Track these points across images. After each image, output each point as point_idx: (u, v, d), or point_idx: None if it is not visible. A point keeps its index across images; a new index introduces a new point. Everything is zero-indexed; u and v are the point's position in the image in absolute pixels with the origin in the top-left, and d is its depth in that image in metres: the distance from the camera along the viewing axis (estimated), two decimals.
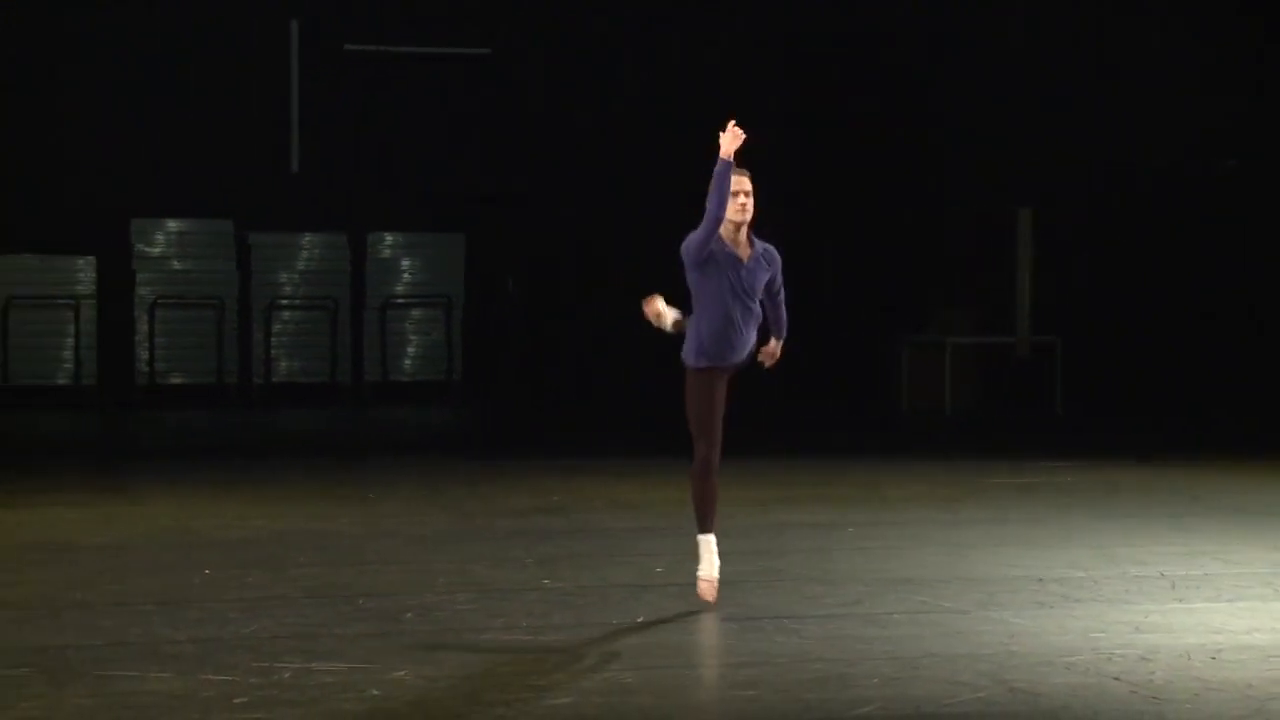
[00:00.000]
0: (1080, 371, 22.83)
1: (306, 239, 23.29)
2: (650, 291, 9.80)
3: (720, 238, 9.28)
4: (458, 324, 23.42)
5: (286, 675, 7.89)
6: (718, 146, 9.30)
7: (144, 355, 22.62)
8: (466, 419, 22.71)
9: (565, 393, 23.61)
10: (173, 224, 23.00)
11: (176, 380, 22.82)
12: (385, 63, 23.44)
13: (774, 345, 9.70)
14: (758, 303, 9.43)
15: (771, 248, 9.48)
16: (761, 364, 9.72)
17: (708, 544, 9.49)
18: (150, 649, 8.43)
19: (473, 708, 7.39)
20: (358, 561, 11.04)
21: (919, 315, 23.38)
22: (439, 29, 23.70)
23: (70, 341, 22.38)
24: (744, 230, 9.34)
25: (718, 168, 9.17)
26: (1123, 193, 23.79)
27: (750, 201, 9.30)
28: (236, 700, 7.46)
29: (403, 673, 7.94)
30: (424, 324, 23.48)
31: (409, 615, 9.28)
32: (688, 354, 9.44)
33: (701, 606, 9.42)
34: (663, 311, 9.61)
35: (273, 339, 22.99)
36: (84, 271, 22.59)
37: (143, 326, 22.64)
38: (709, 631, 9.08)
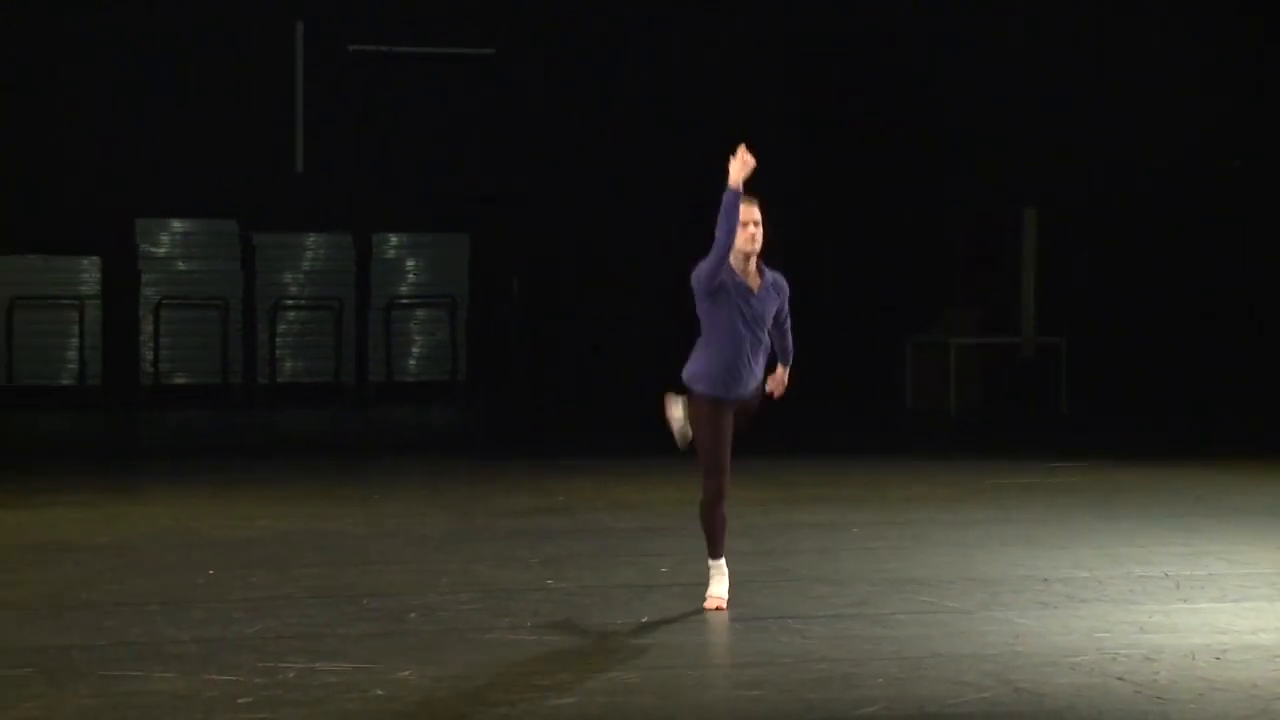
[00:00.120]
0: (1084, 372, 22.84)
1: (311, 239, 23.29)
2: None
3: (730, 267, 9.15)
4: (462, 324, 23.43)
5: (291, 675, 7.90)
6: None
7: (148, 355, 22.63)
8: (470, 419, 22.71)
9: (565, 393, 23.62)
10: (177, 224, 23.01)
11: (181, 380, 22.82)
12: (388, 63, 23.45)
13: (781, 373, 9.58)
14: (767, 332, 9.36)
15: (780, 276, 9.37)
16: (770, 394, 9.61)
17: (719, 567, 9.49)
18: (154, 649, 8.44)
19: (477, 708, 7.40)
20: (361, 561, 11.04)
21: (920, 315, 23.38)
22: (441, 30, 23.71)
23: (75, 342, 22.38)
24: (754, 260, 9.21)
25: (726, 197, 9.06)
26: (1123, 193, 23.79)
27: (760, 231, 9.16)
28: (240, 700, 7.46)
29: (407, 673, 7.94)
30: (428, 324, 23.48)
31: (413, 615, 9.29)
32: (692, 379, 9.31)
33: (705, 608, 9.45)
34: (678, 416, 9.53)
35: (277, 339, 22.99)
36: (89, 272, 22.60)
37: (147, 326, 22.64)
38: (713, 631, 9.08)
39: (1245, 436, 19.34)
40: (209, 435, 20.47)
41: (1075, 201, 23.66)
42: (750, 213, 9.14)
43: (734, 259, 9.17)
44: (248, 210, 23.01)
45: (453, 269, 23.55)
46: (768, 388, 9.54)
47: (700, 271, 9.19)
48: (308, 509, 13.56)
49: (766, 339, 9.32)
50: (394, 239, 23.56)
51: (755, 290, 9.22)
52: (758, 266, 9.25)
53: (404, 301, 23.38)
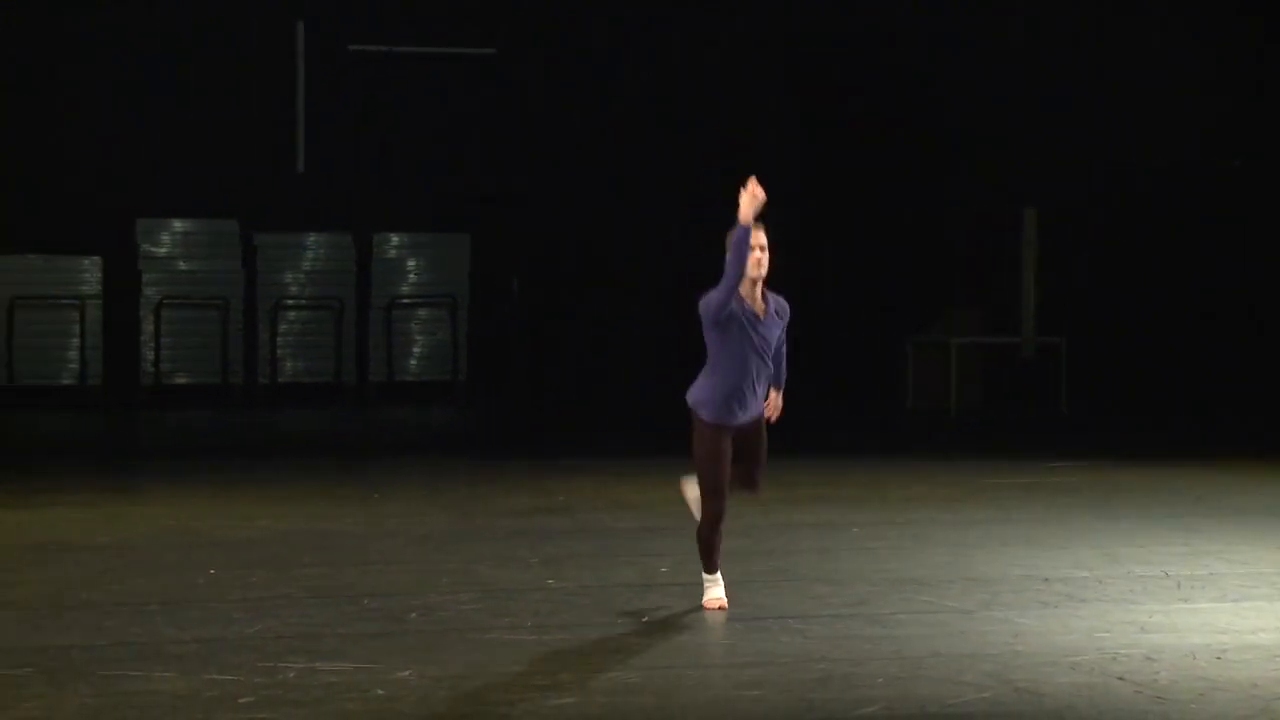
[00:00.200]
0: (1084, 372, 22.84)
1: (312, 239, 23.30)
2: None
3: (738, 295, 9.14)
4: (463, 324, 23.43)
5: (291, 675, 7.90)
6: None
7: (149, 355, 22.63)
8: (470, 419, 22.72)
9: (566, 393, 23.63)
10: (178, 224, 23.02)
11: (182, 380, 22.83)
12: (388, 63, 23.45)
13: (775, 397, 9.51)
14: (771, 359, 9.35)
15: (783, 300, 9.33)
16: (768, 420, 9.57)
17: (715, 580, 9.52)
18: (154, 649, 8.44)
19: (477, 707, 7.40)
20: (362, 561, 11.05)
21: (920, 315, 23.39)
22: (441, 30, 23.71)
23: (75, 341, 22.39)
24: (760, 285, 9.18)
25: (737, 233, 9.01)
26: (1123, 193, 23.80)
27: (766, 256, 9.12)
28: (241, 700, 7.46)
29: (407, 673, 7.94)
30: (429, 324, 23.48)
31: (413, 615, 9.29)
32: (696, 404, 9.28)
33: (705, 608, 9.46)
34: (694, 496, 9.50)
35: (278, 339, 22.99)
36: (89, 272, 22.60)
37: (148, 326, 22.64)
38: (714, 631, 9.08)
39: (1245, 436, 19.35)
40: (209, 435, 20.48)
41: (1075, 201, 23.67)
42: (757, 237, 9.09)
43: (741, 284, 9.15)
44: (248, 210, 23.02)
45: (453, 269, 23.55)
46: (765, 413, 9.50)
47: (710, 302, 9.12)
48: (308, 509, 13.57)
49: (770, 365, 9.31)
50: (394, 239, 23.56)
51: (762, 317, 9.19)
52: (762, 292, 9.21)
53: (404, 301, 23.38)
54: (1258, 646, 8.55)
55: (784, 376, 9.57)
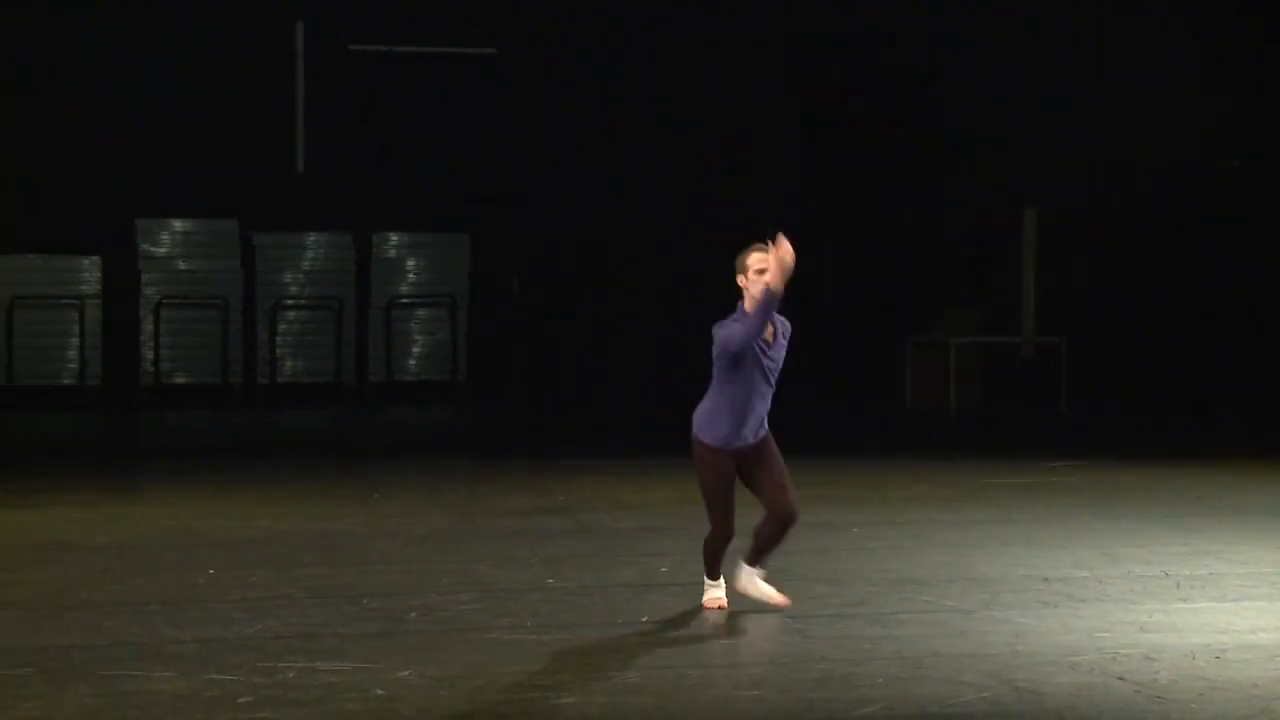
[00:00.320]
0: (1084, 372, 22.84)
1: (311, 239, 23.30)
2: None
3: (749, 317, 9.07)
4: (462, 324, 23.43)
5: (290, 675, 7.90)
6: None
7: (149, 355, 22.63)
8: (470, 419, 22.72)
9: (566, 393, 23.63)
10: (178, 224, 23.02)
11: (181, 380, 22.83)
12: (388, 63, 23.45)
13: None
14: (775, 380, 9.27)
15: (786, 321, 9.28)
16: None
17: (717, 584, 9.53)
18: (154, 649, 8.44)
19: (476, 707, 7.40)
20: (361, 561, 11.04)
21: (920, 315, 23.39)
22: (441, 30, 23.71)
23: (75, 341, 22.39)
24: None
25: (765, 297, 8.90)
26: (1123, 193, 23.80)
27: None
28: (240, 700, 7.46)
29: (406, 673, 7.94)
30: (429, 324, 23.48)
31: (413, 615, 9.29)
32: (701, 429, 9.24)
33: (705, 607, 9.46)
34: (757, 591, 9.42)
35: (277, 339, 22.99)
36: (89, 271, 22.60)
37: (148, 326, 22.64)
38: (714, 631, 9.08)
39: (1245, 436, 19.35)
40: (209, 435, 20.47)
41: (1075, 201, 23.67)
42: (767, 261, 9.03)
43: (751, 306, 9.06)
44: (248, 210, 23.02)
45: (453, 269, 23.56)
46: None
47: (728, 341, 9.00)
48: (308, 509, 13.57)
49: (773, 386, 9.27)
50: (394, 239, 23.56)
51: (772, 342, 9.17)
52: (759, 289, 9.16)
53: (404, 301, 23.38)
54: (1257, 646, 8.55)
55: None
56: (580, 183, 23.81)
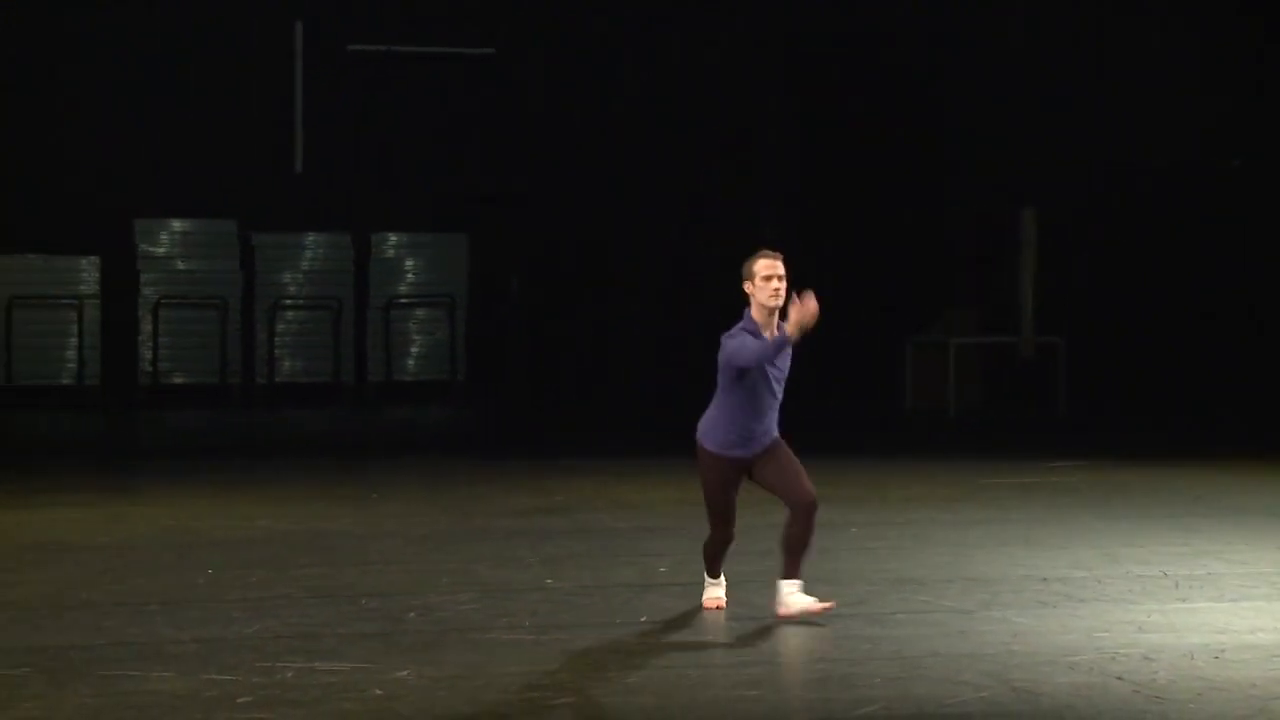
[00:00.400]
0: (1083, 372, 22.84)
1: (310, 239, 23.28)
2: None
3: (756, 324, 9.04)
4: (461, 324, 23.42)
5: (289, 675, 7.90)
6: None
7: (147, 355, 22.61)
8: (469, 419, 22.71)
9: (565, 393, 23.63)
10: (176, 224, 23.00)
11: (180, 380, 22.81)
12: (388, 63, 23.45)
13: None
14: (782, 389, 9.24)
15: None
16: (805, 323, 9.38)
17: (717, 583, 9.53)
18: (153, 649, 8.44)
19: (475, 708, 7.39)
20: (360, 561, 11.05)
21: (920, 315, 23.39)
22: (441, 30, 23.71)
23: (74, 341, 22.37)
24: (776, 316, 9.04)
25: (778, 341, 8.82)
26: (1123, 193, 23.79)
27: (784, 286, 8.99)
28: (239, 700, 7.46)
29: (405, 673, 7.94)
30: (427, 324, 23.47)
31: (411, 615, 9.29)
32: (704, 435, 9.21)
33: (704, 608, 9.46)
34: (799, 606, 9.33)
35: (276, 339, 22.98)
36: (88, 271, 22.59)
37: (146, 326, 22.63)
38: (713, 631, 9.08)
39: (1245, 436, 19.34)
40: (208, 435, 20.47)
41: (1075, 201, 23.67)
42: (774, 267, 9.00)
43: (758, 314, 9.03)
44: (247, 210, 23.01)
45: (452, 269, 23.54)
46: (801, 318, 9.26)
47: (735, 356, 8.92)
48: (307, 509, 13.57)
49: (780, 396, 9.23)
50: (393, 239, 23.55)
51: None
52: (778, 323, 9.06)
53: (403, 301, 23.38)
54: (1256, 646, 8.55)
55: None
56: (580, 183, 23.80)
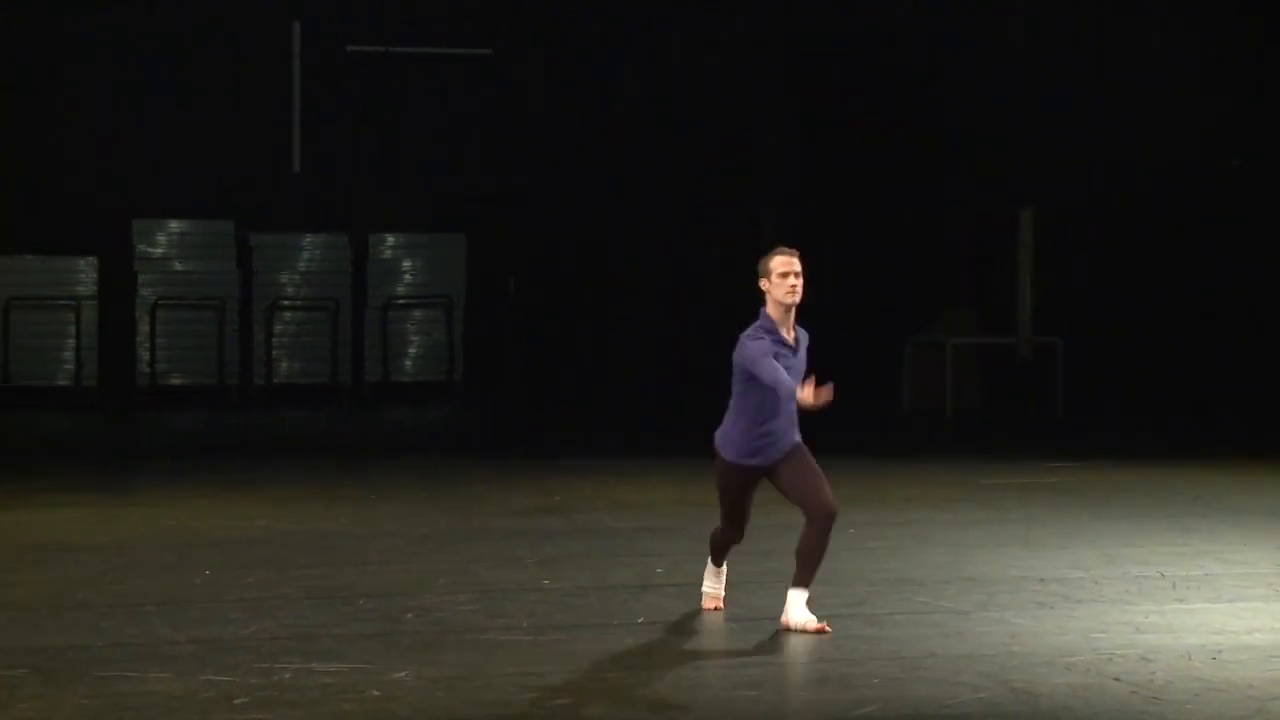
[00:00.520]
0: (1082, 372, 22.83)
1: (308, 240, 23.27)
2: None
3: (773, 322, 8.95)
4: (459, 324, 23.41)
5: (287, 676, 7.89)
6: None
7: (145, 356, 22.61)
8: (467, 419, 22.71)
9: (565, 393, 23.62)
10: (174, 225, 22.99)
11: (177, 381, 22.80)
12: (387, 63, 23.44)
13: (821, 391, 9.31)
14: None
15: (805, 332, 9.13)
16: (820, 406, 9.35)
17: (719, 572, 9.52)
18: (150, 649, 8.43)
19: (473, 708, 7.39)
20: (358, 562, 11.04)
21: (920, 315, 23.38)
22: (441, 30, 23.70)
23: (71, 342, 22.37)
24: (793, 314, 8.99)
25: (782, 391, 8.73)
26: (1123, 193, 23.79)
27: (800, 283, 8.94)
28: (237, 701, 7.46)
29: (403, 673, 7.94)
30: (425, 324, 23.46)
31: (409, 616, 9.28)
32: (720, 444, 9.15)
33: (703, 608, 9.45)
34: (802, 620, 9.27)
35: (274, 340, 22.97)
36: (85, 272, 22.58)
37: (144, 327, 22.62)
38: (711, 632, 9.08)
39: (1245, 436, 19.34)
40: (206, 436, 20.47)
41: (1074, 201, 23.66)
42: (791, 264, 8.94)
43: (774, 311, 8.96)
44: (245, 211, 23.00)
45: (450, 269, 23.53)
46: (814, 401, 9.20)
47: (753, 362, 8.82)
48: (305, 509, 13.56)
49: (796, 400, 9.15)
50: (391, 239, 23.54)
51: (797, 351, 9.02)
52: (794, 321, 9.02)
53: (400, 302, 23.37)
54: (1253, 647, 8.55)
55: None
56: (579, 183, 23.79)
